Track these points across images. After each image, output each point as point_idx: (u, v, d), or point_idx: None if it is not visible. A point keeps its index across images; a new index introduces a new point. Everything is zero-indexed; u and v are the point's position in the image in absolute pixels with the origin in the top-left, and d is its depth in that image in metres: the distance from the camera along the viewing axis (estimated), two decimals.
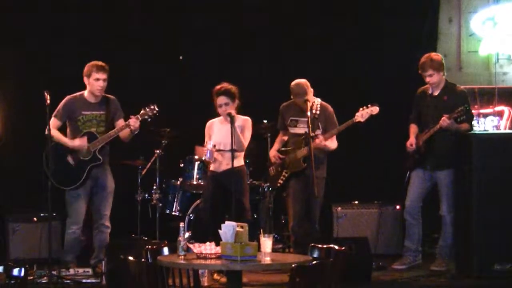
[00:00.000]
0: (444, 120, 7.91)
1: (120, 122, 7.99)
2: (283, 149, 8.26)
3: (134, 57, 9.53)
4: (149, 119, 7.97)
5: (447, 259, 8.16)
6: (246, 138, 7.78)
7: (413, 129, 8.35)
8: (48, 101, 7.56)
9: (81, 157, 7.90)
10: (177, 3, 9.72)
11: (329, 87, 8.44)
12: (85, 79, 7.96)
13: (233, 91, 7.76)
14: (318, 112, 8.11)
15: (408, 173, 8.35)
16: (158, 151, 8.96)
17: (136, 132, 7.91)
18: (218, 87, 7.77)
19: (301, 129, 8.09)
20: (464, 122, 8.02)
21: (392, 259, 8.47)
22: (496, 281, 7.57)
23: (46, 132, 7.58)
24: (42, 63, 9.15)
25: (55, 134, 7.89)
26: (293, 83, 8.11)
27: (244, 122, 7.80)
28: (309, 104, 7.97)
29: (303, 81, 8.08)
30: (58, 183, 7.81)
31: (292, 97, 8.15)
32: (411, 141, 8.27)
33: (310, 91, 8.09)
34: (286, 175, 8.20)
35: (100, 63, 7.95)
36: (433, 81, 8.15)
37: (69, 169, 7.90)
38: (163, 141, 8.92)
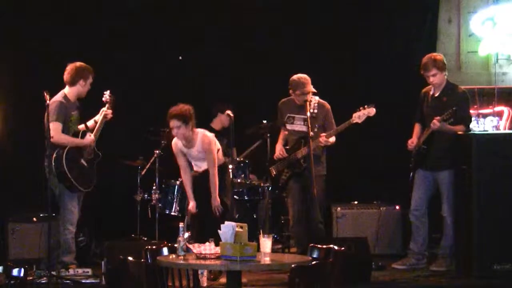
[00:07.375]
0: (434, 123, 7.88)
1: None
2: (286, 147, 8.27)
3: (134, 57, 9.53)
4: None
5: (448, 260, 8.13)
6: (214, 157, 7.79)
7: (416, 128, 8.32)
8: (48, 101, 7.56)
9: (88, 156, 7.96)
10: (177, 3, 9.71)
11: (329, 87, 8.44)
12: (81, 81, 7.93)
13: (185, 114, 7.66)
14: (316, 110, 8.10)
15: (411, 173, 8.31)
16: (157, 151, 8.96)
17: None
18: (170, 110, 7.72)
19: (297, 126, 8.10)
20: (460, 124, 7.97)
21: (392, 259, 8.46)
22: (496, 281, 7.57)
23: (62, 142, 7.74)
24: (42, 63, 9.14)
25: (67, 138, 7.88)
26: (293, 76, 8.09)
27: (204, 145, 7.78)
28: (308, 104, 7.98)
29: (303, 75, 8.06)
30: (83, 187, 7.84)
31: (290, 92, 8.14)
32: (412, 140, 8.25)
33: (310, 87, 8.06)
34: (288, 174, 8.21)
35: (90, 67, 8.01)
36: (436, 81, 8.10)
37: (84, 171, 7.94)
38: (162, 141, 8.91)
